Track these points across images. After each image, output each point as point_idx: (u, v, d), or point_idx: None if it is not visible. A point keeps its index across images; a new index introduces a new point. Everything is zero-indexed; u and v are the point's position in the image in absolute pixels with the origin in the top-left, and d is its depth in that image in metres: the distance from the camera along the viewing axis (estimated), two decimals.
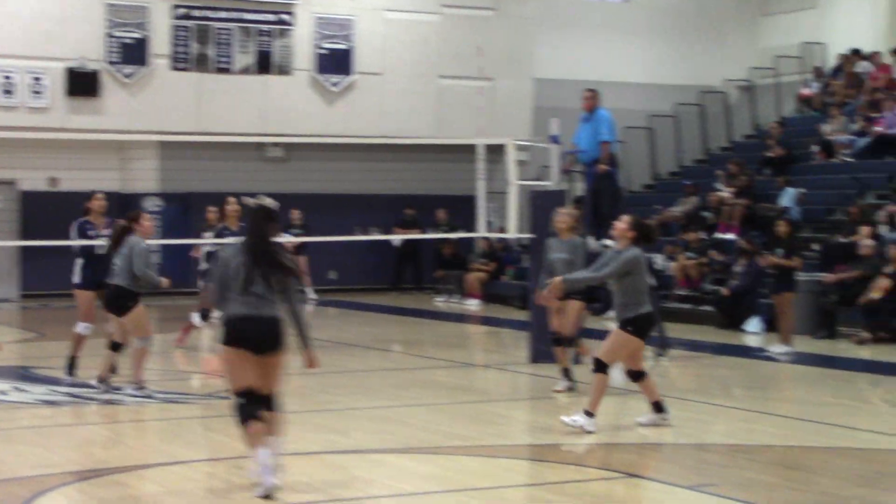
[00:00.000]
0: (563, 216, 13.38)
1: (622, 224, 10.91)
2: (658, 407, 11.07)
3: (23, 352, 17.23)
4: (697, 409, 12.24)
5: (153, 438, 10.02)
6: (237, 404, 8.28)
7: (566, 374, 13.25)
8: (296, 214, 25.28)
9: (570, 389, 13.06)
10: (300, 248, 25.14)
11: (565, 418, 10.85)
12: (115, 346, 12.80)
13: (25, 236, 24.28)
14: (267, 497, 8.11)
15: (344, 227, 25.23)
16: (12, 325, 21.50)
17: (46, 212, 23.03)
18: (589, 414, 10.75)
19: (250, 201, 8.56)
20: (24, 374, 14.34)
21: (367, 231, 26.57)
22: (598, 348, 11.02)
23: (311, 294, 25.49)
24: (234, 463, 9.33)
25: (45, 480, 8.90)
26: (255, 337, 8.25)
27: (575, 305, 13.19)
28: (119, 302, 12.58)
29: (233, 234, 14.88)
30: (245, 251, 8.33)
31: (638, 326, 10.79)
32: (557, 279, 11.29)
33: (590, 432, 10.66)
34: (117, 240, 12.61)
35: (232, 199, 15.33)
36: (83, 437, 10.79)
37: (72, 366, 13.61)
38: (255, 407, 8.22)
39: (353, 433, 10.93)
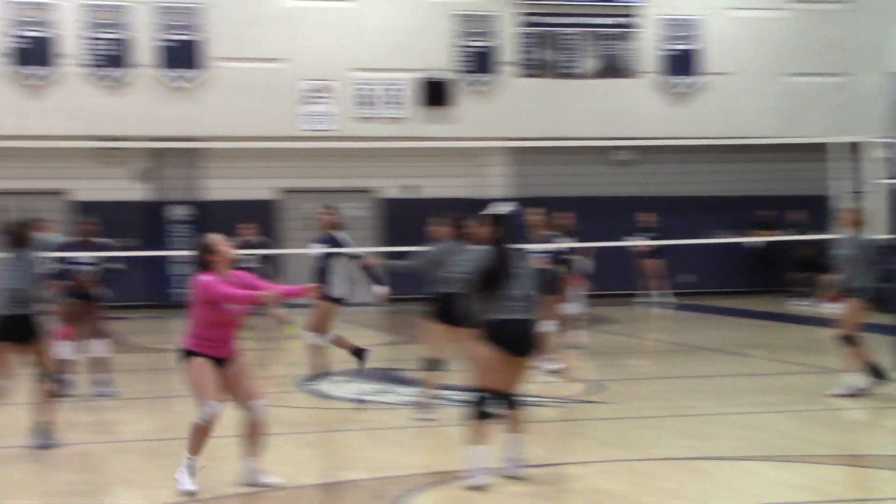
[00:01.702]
0: (843, 212, 13.45)
1: None
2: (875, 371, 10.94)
3: (391, 355, 17.80)
4: None
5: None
6: (478, 398, 8.76)
7: (874, 371, 12.93)
8: (649, 218, 25.12)
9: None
10: (656, 252, 25.03)
11: None
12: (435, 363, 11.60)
13: (385, 243, 25.14)
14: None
15: (696, 230, 24.93)
16: (378, 329, 22.22)
17: (404, 218, 23.80)
18: None
19: (487, 212, 9.30)
20: (394, 377, 14.84)
21: (710, 234, 26.19)
22: None
23: (668, 298, 25.31)
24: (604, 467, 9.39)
25: (412, 480, 9.19)
26: (516, 340, 8.74)
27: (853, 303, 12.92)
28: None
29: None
30: (493, 257, 8.97)
31: None
32: None
33: None
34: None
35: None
36: (450, 439, 11.03)
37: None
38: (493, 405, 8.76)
39: (715, 439, 10.77)
